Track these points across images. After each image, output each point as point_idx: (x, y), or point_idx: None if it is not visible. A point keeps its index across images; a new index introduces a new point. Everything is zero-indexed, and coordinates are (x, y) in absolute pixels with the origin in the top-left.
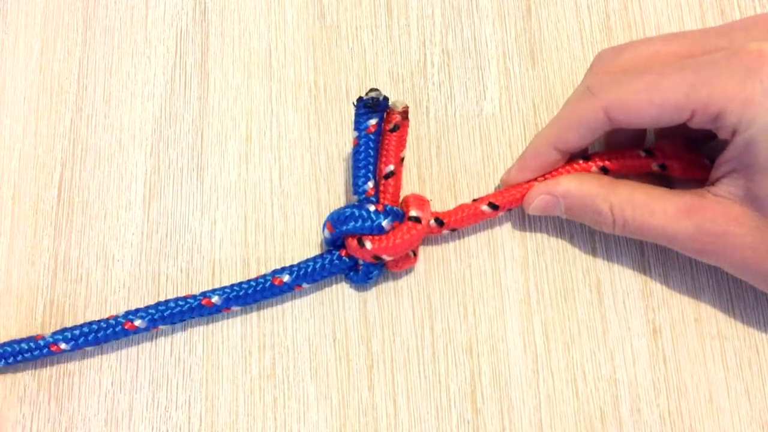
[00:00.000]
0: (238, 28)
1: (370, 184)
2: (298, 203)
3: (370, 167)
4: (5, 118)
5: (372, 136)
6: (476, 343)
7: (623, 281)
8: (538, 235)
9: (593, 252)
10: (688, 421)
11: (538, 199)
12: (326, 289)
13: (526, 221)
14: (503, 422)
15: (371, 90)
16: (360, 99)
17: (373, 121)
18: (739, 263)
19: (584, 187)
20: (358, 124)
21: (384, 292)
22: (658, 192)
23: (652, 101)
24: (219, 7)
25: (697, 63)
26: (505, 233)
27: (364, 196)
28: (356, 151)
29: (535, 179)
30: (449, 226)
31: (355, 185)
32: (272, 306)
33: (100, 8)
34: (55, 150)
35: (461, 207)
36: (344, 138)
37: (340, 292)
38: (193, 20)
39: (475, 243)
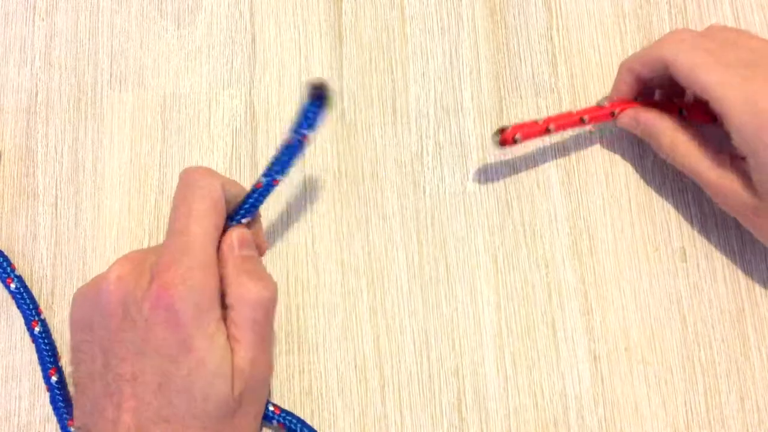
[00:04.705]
0: (278, 127)
1: (280, 177)
2: (327, 262)
3: (287, 169)
4: (106, 199)
5: (304, 144)
6: (461, 368)
7: (572, 320)
8: (509, 285)
9: (549, 298)
10: (619, 425)
11: (627, 119)
12: (349, 327)
13: (499, 276)
14: (482, 428)
15: (315, 84)
16: (316, 87)
17: (315, 130)
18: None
19: (658, 123)
20: (307, 122)
21: (392, 330)
22: (709, 147)
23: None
24: (264, 110)
25: (742, 74)
26: (483, 283)
27: (271, 183)
28: (288, 146)
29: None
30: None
31: (269, 171)
32: (309, 341)
33: (174, 112)
34: (144, 223)
35: (560, 116)
36: (361, 212)
37: (359, 331)
38: (245, 121)
39: (461, 290)
